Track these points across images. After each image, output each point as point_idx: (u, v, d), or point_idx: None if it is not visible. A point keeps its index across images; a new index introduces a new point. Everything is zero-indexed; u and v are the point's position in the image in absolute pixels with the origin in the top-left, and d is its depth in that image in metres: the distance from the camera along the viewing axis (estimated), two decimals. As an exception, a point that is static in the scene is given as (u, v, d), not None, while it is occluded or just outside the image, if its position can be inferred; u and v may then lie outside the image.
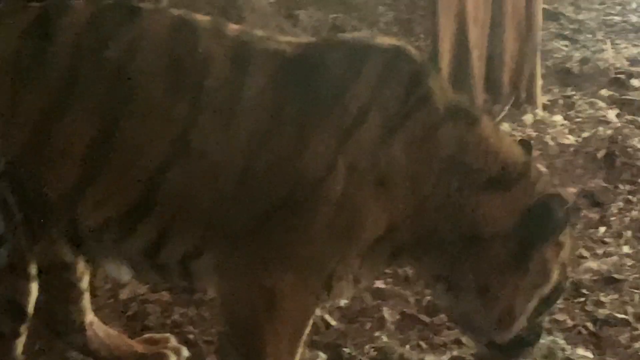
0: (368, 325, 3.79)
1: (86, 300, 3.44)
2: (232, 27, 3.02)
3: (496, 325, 3.10)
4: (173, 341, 3.57)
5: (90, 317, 3.47)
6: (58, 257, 3.22)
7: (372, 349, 3.62)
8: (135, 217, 2.90)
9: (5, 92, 2.84)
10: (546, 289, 3.10)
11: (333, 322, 3.80)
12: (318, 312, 3.81)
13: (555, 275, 3.10)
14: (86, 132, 2.83)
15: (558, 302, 3.80)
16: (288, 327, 2.96)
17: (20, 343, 3.02)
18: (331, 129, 2.84)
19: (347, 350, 3.63)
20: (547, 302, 3.16)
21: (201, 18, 2.99)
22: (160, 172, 2.84)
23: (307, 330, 3.03)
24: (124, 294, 3.96)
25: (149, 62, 2.86)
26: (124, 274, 3.13)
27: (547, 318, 3.35)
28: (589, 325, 3.77)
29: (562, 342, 3.60)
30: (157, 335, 3.63)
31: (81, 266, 3.36)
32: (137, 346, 3.54)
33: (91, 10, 2.92)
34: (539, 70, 5.87)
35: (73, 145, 2.84)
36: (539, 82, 5.87)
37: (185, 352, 3.54)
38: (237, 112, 2.83)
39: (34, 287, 2.99)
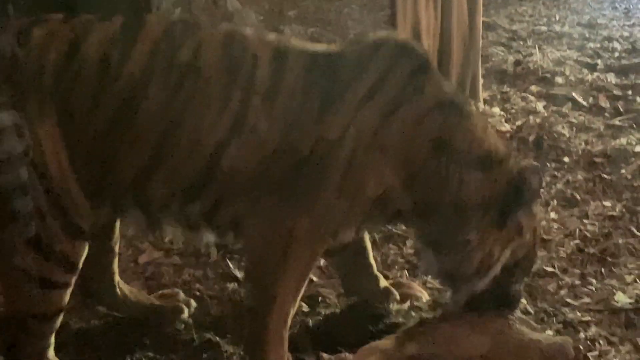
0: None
1: (116, 263, 3.46)
2: (270, 35, 3.11)
3: (476, 272, 3.13)
4: (182, 295, 3.58)
5: (117, 277, 3.48)
6: (108, 224, 3.25)
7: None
8: (197, 188, 2.94)
9: (90, 86, 2.85)
10: (519, 245, 3.16)
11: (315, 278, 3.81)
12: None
13: (528, 237, 3.16)
14: (159, 120, 2.87)
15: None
16: (298, 265, 3.03)
17: (69, 293, 2.99)
18: (346, 103, 2.94)
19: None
20: (521, 266, 3.21)
21: (247, 29, 3.10)
22: (220, 148, 2.89)
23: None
24: (142, 259, 3.97)
25: (211, 62, 2.92)
26: (180, 236, 3.18)
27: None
28: (524, 277, 3.79)
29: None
30: (168, 291, 3.64)
31: (117, 233, 3.39)
32: (154, 300, 3.56)
33: (164, 23, 2.99)
34: (479, 72, 5.87)
35: (147, 131, 2.87)
36: (480, 81, 5.87)
37: (193, 304, 3.55)
38: (279, 96, 2.92)
39: (85, 246, 2.97)
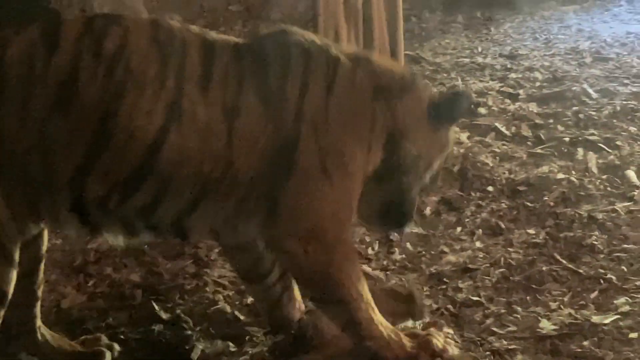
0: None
1: (38, 307, 3.38)
2: (193, 26, 3.15)
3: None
4: (105, 340, 3.50)
5: (38, 321, 3.40)
6: (32, 262, 3.20)
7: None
8: (135, 182, 2.89)
9: (18, 93, 2.80)
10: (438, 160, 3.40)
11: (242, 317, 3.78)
12: (229, 309, 3.82)
13: (445, 153, 3.43)
14: (92, 115, 2.82)
15: (425, 289, 3.91)
16: (341, 253, 3.10)
17: None
18: (289, 97, 3.01)
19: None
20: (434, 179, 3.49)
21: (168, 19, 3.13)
22: (158, 138, 2.85)
23: None
24: (65, 303, 3.88)
25: (139, 50, 2.88)
26: (120, 240, 3.10)
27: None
28: (450, 307, 3.79)
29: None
30: (91, 337, 3.55)
31: (41, 275, 3.32)
32: (76, 346, 3.47)
33: (83, 19, 3.00)
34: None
35: (81, 128, 2.82)
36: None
37: (117, 347, 3.48)
38: (212, 82, 2.92)
39: (14, 275, 2.91)
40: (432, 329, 3.39)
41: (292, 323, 3.53)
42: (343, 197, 3.08)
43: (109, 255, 4.25)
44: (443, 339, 3.32)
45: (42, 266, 3.32)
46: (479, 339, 3.54)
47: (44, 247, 3.31)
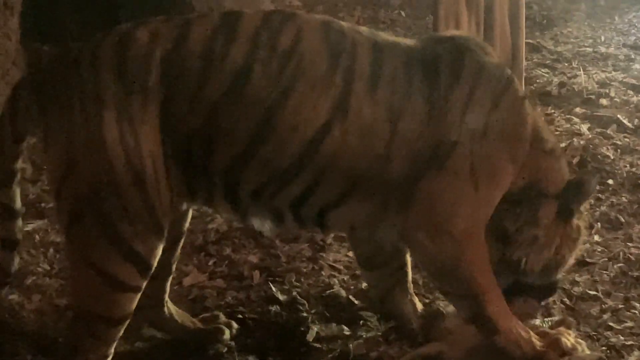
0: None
1: (169, 282, 3.51)
2: (363, 27, 3.22)
3: (541, 270, 3.34)
4: (222, 317, 3.61)
5: (166, 296, 3.53)
6: (174, 240, 3.32)
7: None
8: (291, 175, 2.99)
9: (195, 78, 2.91)
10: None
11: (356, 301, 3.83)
12: (344, 293, 3.87)
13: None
14: (260, 107, 2.92)
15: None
16: (477, 251, 3.12)
17: (136, 300, 3.04)
18: (455, 104, 3.04)
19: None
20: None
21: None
22: (321, 133, 2.93)
23: None
24: (186, 282, 4.01)
25: (311, 48, 2.97)
26: (267, 228, 3.19)
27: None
28: (567, 300, 3.77)
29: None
30: (209, 315, 3.67)
31: (178, 252, 3.46)
32: (198, 323, 3.59)
33: (262, 14, 3.09)
34: (523, 93, 5.83)
35: (247, 118, 2.93)
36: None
37: (235, 326, 3.58)
38: (380, 83, 2.98)
39: (160, 249, 3.01)
40: (561, 328, 3.34)
41: (403, 314, 3.56)
42: (482, 203, 3.11)
43: (229, 236, 4.36)
44: (573, 338, 3.28)
45: (181, 243, 3.45)
46: (595, 333, 3.52)
47: (187, 225, 3.44)
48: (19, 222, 3.17)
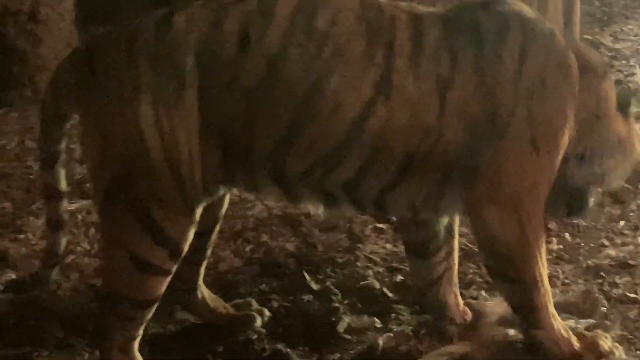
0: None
1: (204, 266, 3.52)
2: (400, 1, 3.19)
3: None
4: (255, 304, 3.61)
5: (201, 280, 3.54)
6: (212, 217, 3.33)
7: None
8: (338, 157, 2.96)
9: (231, 63, 2.91)
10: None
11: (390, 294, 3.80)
12: (377, 285, 3.85)
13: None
14: (300, 88, 2.90)
15: (579, 281, 3.81)
16: (537, 233, 3.07)
17: (166, 284, 3.03)
18: (507, 66, 3.00)
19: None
20: None
21: None
22: (364, 113, 2.90)
23: None
24: (222, 267, 4.03)
25: (348, 29, 2.94)
26: (321, 210, 3.17)
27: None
28: (605, 302, 3.66)
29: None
30: (242, 301, 3.67)
31: (214, 237, 3.46)
32: (230, 309, 3.60)
33: None
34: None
35: (288, 100, 2.91)
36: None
37: (267, 313, 3.58)
38: (422, 55, 2.95)
39: (192, 234, 3.02)
40: (598, 331, 3.29)
41: (447, 306, 3.52)
42: (545, 170, 3.05)
43: (267, 223, 4.38)
44: (611, 341, 3.22)
45: (217, 228, 3.45)
46: (631, 336, 3.44)
47: (223, 210, 3.43)
48: (64, 202, 3.20)
